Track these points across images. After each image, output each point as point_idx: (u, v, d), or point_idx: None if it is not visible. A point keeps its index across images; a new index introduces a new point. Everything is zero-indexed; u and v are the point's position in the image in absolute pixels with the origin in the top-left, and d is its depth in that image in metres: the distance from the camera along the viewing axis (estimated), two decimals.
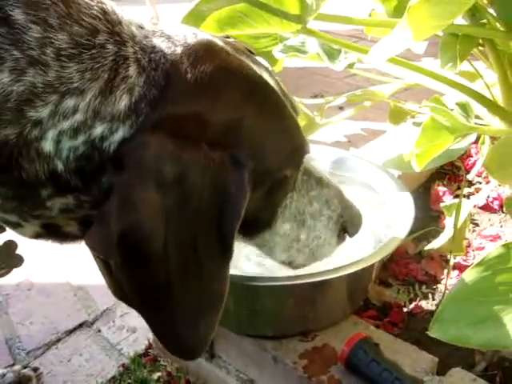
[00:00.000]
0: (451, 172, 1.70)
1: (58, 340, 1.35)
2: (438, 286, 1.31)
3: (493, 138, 1.51)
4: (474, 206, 1.51)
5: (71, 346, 1.34)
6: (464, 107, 1.08)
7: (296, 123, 0.81)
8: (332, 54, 1.48)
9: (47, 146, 0.64)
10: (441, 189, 1.59)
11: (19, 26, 0.62)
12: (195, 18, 1.20)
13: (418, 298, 1.28)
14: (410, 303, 1.26)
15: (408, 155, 1.02)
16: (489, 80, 1.38)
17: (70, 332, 1.38)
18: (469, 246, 1.40)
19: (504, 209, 1.53)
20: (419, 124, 1.11)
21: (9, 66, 0.61)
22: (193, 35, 0.74)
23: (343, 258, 1.05)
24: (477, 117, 1.23)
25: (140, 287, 0.67)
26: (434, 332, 0.84)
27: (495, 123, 1.31)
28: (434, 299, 1.28)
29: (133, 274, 0.66)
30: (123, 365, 1.27)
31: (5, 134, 0.63)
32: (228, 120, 0.70)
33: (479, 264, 0.85)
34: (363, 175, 1.30)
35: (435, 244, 1.30)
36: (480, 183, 1.64)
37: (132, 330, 1.37)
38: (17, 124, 0.63)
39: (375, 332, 1.07)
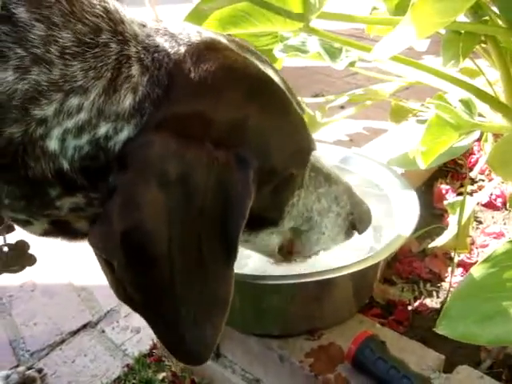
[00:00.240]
0: (454, 170, 1.70)
1: (62, 341, 1.35)
2: (443, 283, 1.31)
3: (495, 136, 1.52)
4: (478, 204, 1.51)
5: (75, 347, 1.33)
6: (467, 104, 1.08)
7: (302, 121, 0.80)
8: (333, 53, 1.48)
9: (52, 144, 0.64)
10: (444, 187, 1.59)
11: (23, 24, 0.62)
12: (197, 17, 1.20)
13: (423, 296, 1.28)
14: (415, 301, 1.26)
15: (413, 152, 1.02)
16: (491, 77, 1.38)
17: (74, 333, 1.37)
18: (472, 243, 1.40)
19: (507, 206, 1.53)
20: (423, 122, 1.11)
21: (13, 65, 0.61)
22: (197, 34, 0.73)
23: (346, 256, 1.05)
24: (479, 114, 1.23)
25: (143, 288, 0.66)
26: (441, 329, 0.84)
27: (498, 120, 1.31)
28: (438, 297, 1.28)
29: (135, 275, 0.65)
30: (128, 365, 1.27)
31: (10, 132, 0.63)
32: (232, 119, 0.70)
33: (486, 260, 0.85)
34: (367, 173, 1.31)
35: (439, 242, 1.30)
36: (483, 181, 1.64)
37: (136, 331, 1.37)
38: (22, 122, 0.63)
39: (381, 330, 1.07)
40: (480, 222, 1.51)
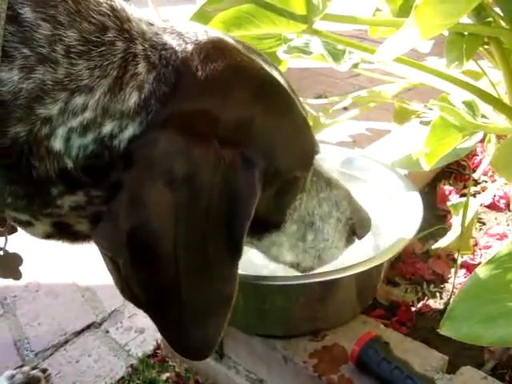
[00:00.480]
0: (457, 171, 1.70)
1: (66, 341, 1.35)
2: (446, 284, 1.31)
3: (498, 137, 1.52)
4: (481, 205, 1.51)
5: (79, 347, 1.34)
6: (470, 105, 1.08)
7: (306, 123, 0.81)
8: (336, 55, 1.48)
9: (57, 143, 0.64)
10: (447, 188, 1.59)
11: (29, 23, 0.62)
12: (201, 18, 1.21)
13: (426, 297, 1.28)
14: (418, 302, 1.26)
15: (416, 154, 1.02)
16: (494, 79, 1.39)
17: (78, 333, 1.38)
18: (476, 244, 1.40)
19: (511, 207, 1.53)
20: (426, 123, 1.11)
21: (18, 64, 0.61)
22: (204, 32, 0.74)
23: (351, 257, 1.05)
24: (482, 116, 1.23)
25: (148, 286, 0.66)
26: (445, 330, 0.84)
27: (501, 122, 1.31)
28: (441, 298, 1.28)
29: (141, 273, 0.65)
30: (132, 365, 1.27)
31: (15, 132, 0.63)
32: (239, 117, 0.70)
33: (490, 261, 0.85)
34: (371, 174, 1.31)
35: (442, 243, 1.30)
36: (486, 182, 1.64)
37: (140, 331, 1.37)
38: (27, 121, 0.63)
39: (384, 331, 1.07)
40: (483, 224, 1.51)
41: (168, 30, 0.72)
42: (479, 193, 1.59)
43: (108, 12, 0.67)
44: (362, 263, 1.01)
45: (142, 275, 0.66)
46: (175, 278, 0.66)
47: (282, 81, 0.77)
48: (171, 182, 0.64)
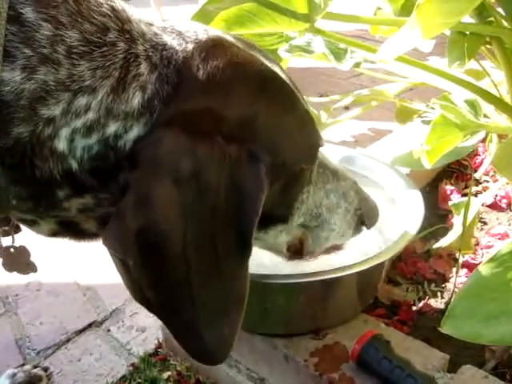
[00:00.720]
0: (458, 171, 1.70)
1: (68, 340, 1.35)
2: (447, 284, 1.32)
3: (500, 137, 1.52)
4: (482, 205, 1.51)
5: (81, 346, 1.34)
6: (472, 105, 1.08)
7: (310, 116, 0.81)
8: (338, 54, 1.48)
9: (61, 144, 0.64)
10: (448, 187, 1.59)
11: (30, 24, 0.62)
12: (203, 17, 1.21)
13: (427, 297, 1.28)
14: (419, 302, 1.26)
15: (418, 152, 1.02)
16: (496, 78, 1.39)
17: (80, 332, 1.38)
18: (477, 244, 1.40)
19: None
20: (428, 122, 1.11)
21: (20, 64, 0.61)
22: (203, 31, 0.74)
23: (352, 256, 1.05)
24: (484, 115, 1.23)
25: (158, 286, 0.66)
26: (446, 328, 0.84)
27: (502, 121, 1.31)
28: (442, 297, 1.28)
29: (151, 273, 0.65)
30: (133, 364, 1.27)
31: (18, 132, 0.63)
32: (243, 114, 0.70)
33: (491, 260, 0.85)
34: (373, 174, 1.31)
35: (443, 242, 1.30)
36: (487, 182, 1.64)
37: (141, 330, 1.37)
38: (29, 122, 0.63)
39: (385, 330, 1.07)
40: (485, 223, 1.51)
41: (168, 29, 0.72)
42: (481, 192, 1.59)
43: (109, 13, 0.67)
44: (363, 262, 1.01)
45: (152, 275, 0.65)
46: (185, 278, 0.66)
47: (283, 76, 0.77)
48: (178, 181, 0.64)
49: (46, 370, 1.27)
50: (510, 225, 1.49)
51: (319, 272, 0.98)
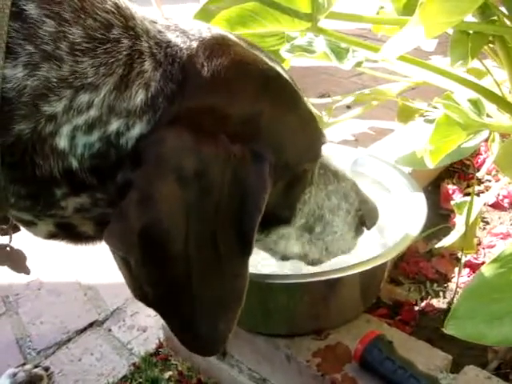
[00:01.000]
0: (461, 170, 1.70)
1: (69, 339, 1.35)
2: (449, 284, 1.31)
3: (502, 136, 1.51)
4: (484, 204, 1.51)
5: (82, 346, 1.34)
6: (476, 104, 1.08)
7: (312, 115, 0.81)
8: (340, 53, 1.48)
9: (62, 142, 0.64)
10: (450, 187, 1.59)
11: (33, 20, 0.62)
12: (205, 17, 1.20)
13: (429, 297, 1.28)
14: (422, 301, 1.26)
15: (421, 152, 1.02)
16: (498, 77, 1.38)
17: (81, 331, 1.38)
18: (479, 243, 1.40)
19: None
20: (430, 121, 1.11)
21: (23, 61, 0.61)
22: (207, 30, 0.73)
23: (354, 255, 1.05)
24: (487, 115, 1.23)
25: (159, 284, 0.66)
26: (449, 329, 0.84)
27: (505, 121, 1.30)
28: (445, 297, 1.28)
29: (152, 271, 0.65)
30: (134, 364, 1.27)
31: (19, 129, 0.62)
32: (246, 113, 0.70)
33: (494, 261, 0.85)
34: (375, 173, 1.30)
35: (446, 242, 1.30)
36: (490, 181, 1.64)
37: (143, 329, 1.37)
38: (31, 119, 0.62)
39: (388, 330, 1.07)
40: (487, 223, 1.51)
41: (171, 27, 0.72)
42: (483, 192, 1.59)
43: (112, 9, 0.67)
44: (366, 262, 1.01)
45: (153, 273, 0.65)
46: (186, 275, 0.66)
47: (286, 76, 0.77)
48: (182, 180, 0.64)
49: (46, 369, 1.26)
50: None
51: (322, 272, 0.97)
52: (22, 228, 0.79)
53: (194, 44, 0.70)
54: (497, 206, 1.55)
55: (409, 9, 1.28)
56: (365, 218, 0.95)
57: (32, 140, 0.63)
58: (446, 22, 0.95)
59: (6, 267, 0.93)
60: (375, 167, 1.32)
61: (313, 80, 2.58)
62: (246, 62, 0.73)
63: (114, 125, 0.65)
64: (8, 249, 0.91)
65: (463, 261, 1.28)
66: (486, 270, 0.85)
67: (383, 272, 1.13)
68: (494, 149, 1.47)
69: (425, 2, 0.89)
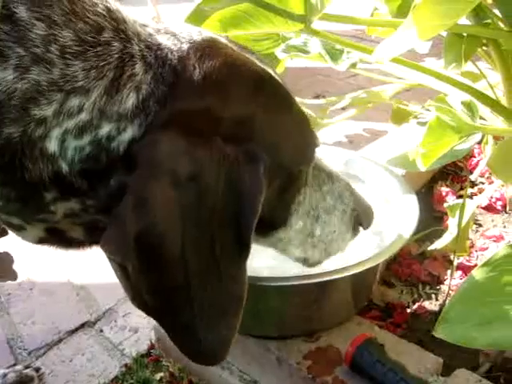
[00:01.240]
0: (454, 172, 1.70)
1: (60, 340, 1.34)
2: (442, 286, 1.31)
3: (496, 138, 1.51)
4: (477, 207, 1.51)
5: (73, 346, 1.33)
6: (469, 106, 1.08)
7: (305, 116, 0.81)
8: (335, 54, 1.48)
9: (52, 145, 0.64)
10: (444, 189, 1.59)
11: (24, 23, 0.61)
12: (198, 18, 1.20)
13: (422, 299, 1.27)
14: (414, 304, 1.26)
15: (413, 154, 1.02)
16: (492, 80, 1.38)
17: (72, 332, 1.37)
18: (472, 246, 1.40)
19: (507, 209, 1.53)
20: (423, 124, 1.11)
21: (13, 64, 0.61)
22: (198, 33, 0.73)
23: (346, 258, 1.05)
24: (480, 117, 1.23)
25: (157, 290, 0.65)
26: (439, 332, 0.84)
27: (498, 123, 1.30)
28: (437, 300, 1.28)
29: (150, 277, 0.64)
30: (125, 365, 1.27)
31: (8, 133, 0.62)
32: (240, 114, 0.70)
33: (486, 264, 0.85)
34: (368, 175, 1.30)
35: (438, 244, 1.30)
36: (483, 184, 1.64)
37: (134, 330, 1.36)
38: (21, 122, 0.62)
39: (379, 332, 1.07)
40: (480, 225, 1.51)
41: (162, 30, 0.72)
42: (476, 194, 1.59)
43: (103, 12, 0.67)
44: (357, 264, 1.01)
45: (150, 279, 0.65)
46: (184, 279, 0.65)
47: (277, 77, 0.77)
48: (177, 183, 0.63)
49: (37, 370, 1.25)
50: (505, 227, 1.49)
51: (313, 274, 0.97)
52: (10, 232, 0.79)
53: (185, 46, 0.70)
54: (490, 208, 1.55)
55: (403, 11, 1.28)
56: (361, 217, 0.95)
57: (21, 143, 0.63)
58: (440, 25, 0.95)
59: None
60: (367, 169, 1.32)
61: (308, 81, 2.58)
62: (238, 64, 0.72)
63: (105, 128, 0.65)
64: None
65: (456, 263, 1.28)
66: (477, 274, 0.85)
67: (375, 274, 1.13)
68: (488, 151, 1.47)
69: (418, 4, 0.89)
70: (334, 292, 1.06)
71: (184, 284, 0.65)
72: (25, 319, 1.41)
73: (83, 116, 0.64)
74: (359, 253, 1.07)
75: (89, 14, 0.65)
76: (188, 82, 0.68)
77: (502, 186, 1.52)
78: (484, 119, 1.33)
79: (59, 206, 0.68)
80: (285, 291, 1.02)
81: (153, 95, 0.66)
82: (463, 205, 1.19)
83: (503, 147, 1.18)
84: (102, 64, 0.64)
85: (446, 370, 1.01)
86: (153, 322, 1.03)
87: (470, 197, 1.53)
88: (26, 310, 1.44)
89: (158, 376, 1.23)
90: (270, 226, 0.84)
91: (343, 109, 1.87)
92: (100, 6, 0.67)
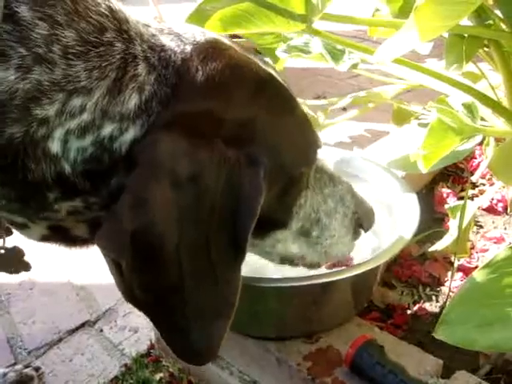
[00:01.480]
0: (455, 173, 1.70)
1: (60, 339, 1.34)
2: (442, 288, 1.31)
3: (497, 140, 1.51)
4: (478, 208, 1.50)
5: (73, 346, 1.33)
6: (470, 108, 1.07)
7: (307, 118, 0.81)
8: (336, 55, 1.47)
9: (54, 145, 0.64)
10: (445, 190, 1.59)
11: (26, 23, 0.61)
12: (199, 17, 1.20)
13: (422, 300, 1.27)
14: (414, 305, 1.26)
15: (414, 156, 1.02)
16: (493, 81, 1.38)
17: (72, 331, 1.37)
18: (473, 247, 1.39)
19: (508, 211, 1.52)
20: (425, 125, 1.10)
21: (15, 64, 0.60)
22: (201, 34, 0.73)
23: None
24: (481, 118, 1.22)
25: (150, 288, 0.66)
26: (439, 334, 0.83)
27: (500, 125, 1.30)
28: (437, 301, 1.27)
29: (143, 275, 0.65)
30: (125, 365, 1.27)
31: (10, 132, 0.62)
32: (241, 117, 0.70)
33: (486, 266, 0.85)
34: (369, 176, 1.30)
35: (439, 246, 1.30)
36: (484, 185, 1.64)
37: (134, 330, 1.36)
38: (23, 122, 0.62)
39: (379, 334, 1.07)
40: (480, 227, 1.50)
41: (165, 31, 0.72)
42: (477, 196, 1.58)
43: (106, 12, 0.67)
44: (358, 266, 1.01)
45: (144, 277, 0.65)
46: (178, 279, 0.66)
47: (280, 79, 0.77)
48: (176, 184, 0.64)
49: (37, 369, 1.25)
50: (505, 229, 1.49)
51: (313, 276, 0.97)
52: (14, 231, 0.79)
53: (188, 48, 0.70)
54: (491, 210, 1.54)
55: (404, 12, 1.28)
56: (362, 220, 0.95)
57: (24, 143, 0.63)
58: (441, 26, 0.95)
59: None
60: (369, 170, 1.32)
61: (309, 81, 2.58)
62: (241, 66, 0.72)
63: (108, 129, 0.65)
64: (2, 251, 0.91)
65: (456, 265, 1.28)
66: (478, 276, 0.85)
67: (375, 276, 1.13)
68: (489, 153, 1.47)
69: (420, 5, 0.89)
70: (334, 293, 1.06)
71: (177, 283, 0.66)
72: (25, 319, 1.41)
73: (85, 116, 0.64)
74: (360, 254, 1.07)
75: (91, 13, 0.65)
76: (191, 83, 0.68)
77: (503, 187, 1.52)
78: (485, 120, 1.33)
79: (62, 205, 0.68)
80: (285, 292, 1.02)
81: (155, 96, 0.66)
82: (464, 206, 1.19)
83: (504, 149, 1.18)
84: (105, 64, 0.64)
85: (446, 372, 1.01)
86: None
87: (471, 198, 1.53)
88: (26, 310, 1.44)
89: (158, 376, 1.23)
90: (270, 228, 0.84)
91: (344, 109, 1.88)
92: (103, 5, 0.67)
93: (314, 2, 1.10)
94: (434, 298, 1.28)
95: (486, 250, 1.38)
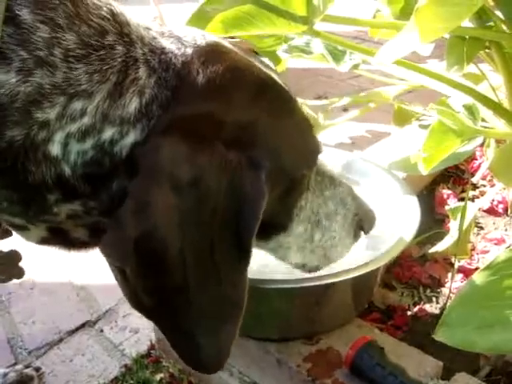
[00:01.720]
0: (456, 175, 1.70)
1: (61, 340, 1.35)
2: (442, 289, 1.31)
3: (498, 141, 1.51)
4: (479, 210, 1.50)
5: (73, 346, 1.33)
6: (471, 110, 1.07)
7: (308, 121, 0.81)
8: (337, 55, 1.48)
9: (54, 148, 0.63)
10: (445, 192, 1.59)
11: (27, 26, 0.61)
12: (200, 18, 1.20)
13: (422, 302, 1.27)
14: (414, 306, 1.26)
15: (415, 157, 1.02)
16: (494, 83, 1.38)
17: (73, 332, 1.37)
18: (473, 249, 1.39)
19: (509, 212, 1.52)
20: (425, 126, 1.10)
21: (16, 67, 0.60)
22: (202, 36, 0.73)
23: (347, 260, 1.04)
24: (482, 120, 1.22)
25: (156, 294, 0.65)
26: (439, 336, 0.83)
27: (500, 126, 1.30)
28: (438, 303, 1.27)
29: (149, 280, 0.64)
30: (125, 365, 1.27)
31: (11, 135, 0.62)
32: (242, 120, 0.70)
33: (487, 268, 0.85)
34: (369, 177, 1.30)
35: (439, 247, 1.30)
36: (485, 186, 1.64)
37: (134, 331, 1.36)
38: (24, 125, 0.62)
39: (379, 335, 1.07)
40: (481, 228, 1.50)
41: (166, 34, 0.72)
42: (478, 197, 1.58)
43: (107, 16, 0.66)
44: (359, 267, 1.00)
45: (149, 283, 0.65)
46: (184, 285, 0.65)
47: (281, 82, 0.77)
48: (178, 188, 0.63)
49: (37, 369, 1.26)
50: (506, 230, 1.49)
51: (314, 277, 0.97)
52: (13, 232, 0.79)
53: (189, 51, 0.70)
54: (491, 211, 1.54)
55: (405, 13, 1.28)
56: (362, 222, 0.95)
57: (24, 146, 0.63)
58: (443, 28, 0.95)
59: None
60: (369, 171, 1.32)
61: (310, 82, 2.58)
62: (242, 69, 0.72)
63: (108, 132, 0.64)
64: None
65: (457, 266, 1.28)
66: (478, 277, 0.85)
67: (376, 277, 1.13)
68: (489, 154, 1.47)
69: (421, 7, 0.89)
70: (335, 294, 1.06)
71: (183, 288, 0.65)
72: (25, 319, 1.41)
73: (86, 120, 0.63)
74: (360, 255, 1.07)
75: (93, 17, 0.65)
76: (191, 86, 0.68)
77: (504, 188, 1.52)
78: (486, 121, 1.33)
79: (62, 208, 0.68)
80: (285, 293, 1.02)
81: (156, 100, 0.66)
82: (464, 207, 1.19)
83: (505, 150, 1.18)
84: (106, 68, 0.64)
85: (446, 374, 1.01)
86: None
87: (472, 199, 1.53)
88: (26, 310, 1.44)
89: (158, 377, 1.23)
90: (271, 230, 0.84)
91: (345, 110, 1.88)
92: (104, 9, 0.66)
93: (315, 3, 1.10)
94: (434, 299, 1.28)
95: (487, 252, 1.38)
